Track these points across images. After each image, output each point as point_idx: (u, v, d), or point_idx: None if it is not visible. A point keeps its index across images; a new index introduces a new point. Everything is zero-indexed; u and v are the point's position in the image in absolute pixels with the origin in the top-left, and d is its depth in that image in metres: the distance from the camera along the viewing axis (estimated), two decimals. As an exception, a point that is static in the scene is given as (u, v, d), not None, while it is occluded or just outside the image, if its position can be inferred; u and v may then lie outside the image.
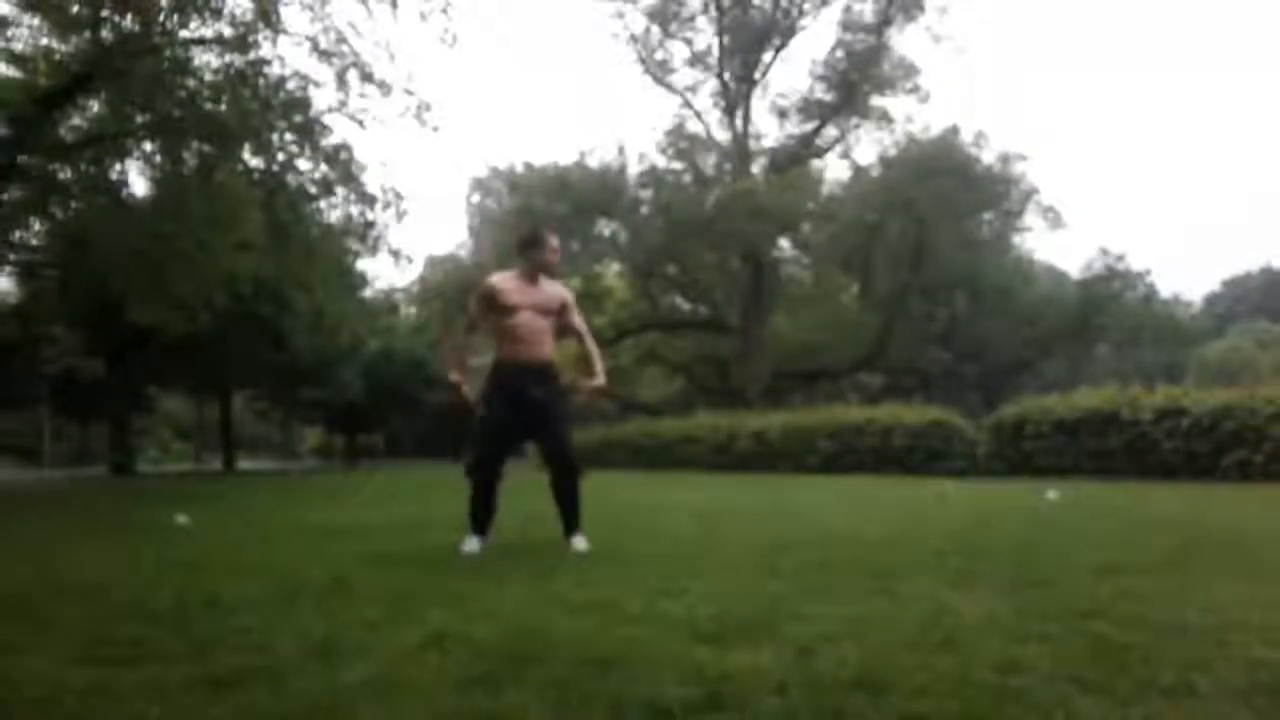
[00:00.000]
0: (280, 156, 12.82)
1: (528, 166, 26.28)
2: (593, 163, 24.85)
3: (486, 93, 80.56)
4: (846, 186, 26.26)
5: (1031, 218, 25.14)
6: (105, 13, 10.98)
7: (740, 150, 24.88)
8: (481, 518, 4.21)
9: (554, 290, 4.27)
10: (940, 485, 7.80)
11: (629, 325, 26.70)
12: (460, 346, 4.40)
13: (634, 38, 24.90)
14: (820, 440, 15.26)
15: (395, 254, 14.41)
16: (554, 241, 4.25)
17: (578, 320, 4.36)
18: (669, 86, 25.39)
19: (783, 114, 25.66)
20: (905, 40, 25.64)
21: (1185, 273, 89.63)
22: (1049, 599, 2.94)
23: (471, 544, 4.19)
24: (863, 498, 8.26)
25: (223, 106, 11.66)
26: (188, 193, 13.03)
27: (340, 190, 13.34)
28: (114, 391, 24.56)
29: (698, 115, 25.23)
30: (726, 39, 24.61)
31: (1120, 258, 25.50)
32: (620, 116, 63.07)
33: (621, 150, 24.88)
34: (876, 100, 24.78)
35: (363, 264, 18.91)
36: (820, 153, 26.09)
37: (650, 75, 25.36)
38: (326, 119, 12.65)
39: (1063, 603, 2.86)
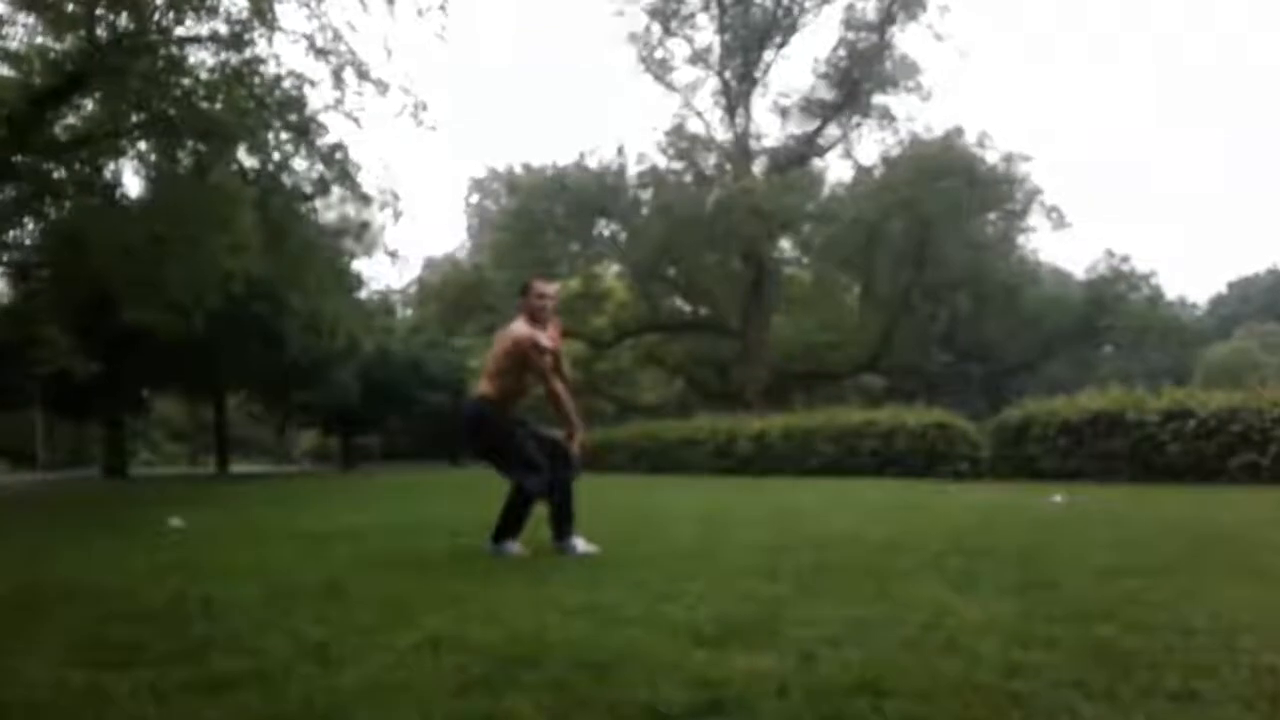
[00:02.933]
0: (276, 156, 12.78)
1: (526, 167, 26.25)
2: (592, 163, 24.84)
3: (485, 92, 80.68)
4: (848, 186, 26.23)
5: (1035, 218, 25.11)
6: (100, 11, 10.94)
7: (741, 150, 24.86)
8: (573, 518, 4.31)
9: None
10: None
11: (628, 327, 26.68)
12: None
13: (634, 36, 24.90)
14: (821, 443, 15.20)
15: (392, 254, 14.49)
16: (542, 287, 4.40)
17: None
18: (669, 85, 25.40)
19: (784, 113, 25.68)
20: (907, 39, 25.69)
21: (1190, 274, 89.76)
22: (1053, 602, 2.92)
23: (586, 544, 4.23)
24: (864, 500, 8.23)
25: (218, 105, 11.61)
26: (182, 192, 12.99)
27: (336, 190, 13.32)
28: (107, 393, 24.51)
29: (698, 114, 25.25)
30: (727, 37, 24.59)
31: (1125, 259, 25.47)
32: (620, 116, 63.18)
33: (621, 150, 24.88)
34: (879, 99, 24.77)
35: (359, 264, 18.92)
36: (822, 152, 26.08)
37: (650, 74, 25.35)
38: (322, 118, 12.62)
39: (1067, 606, 2.84)
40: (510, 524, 4.28)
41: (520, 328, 4.26)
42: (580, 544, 4.24)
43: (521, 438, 4.22)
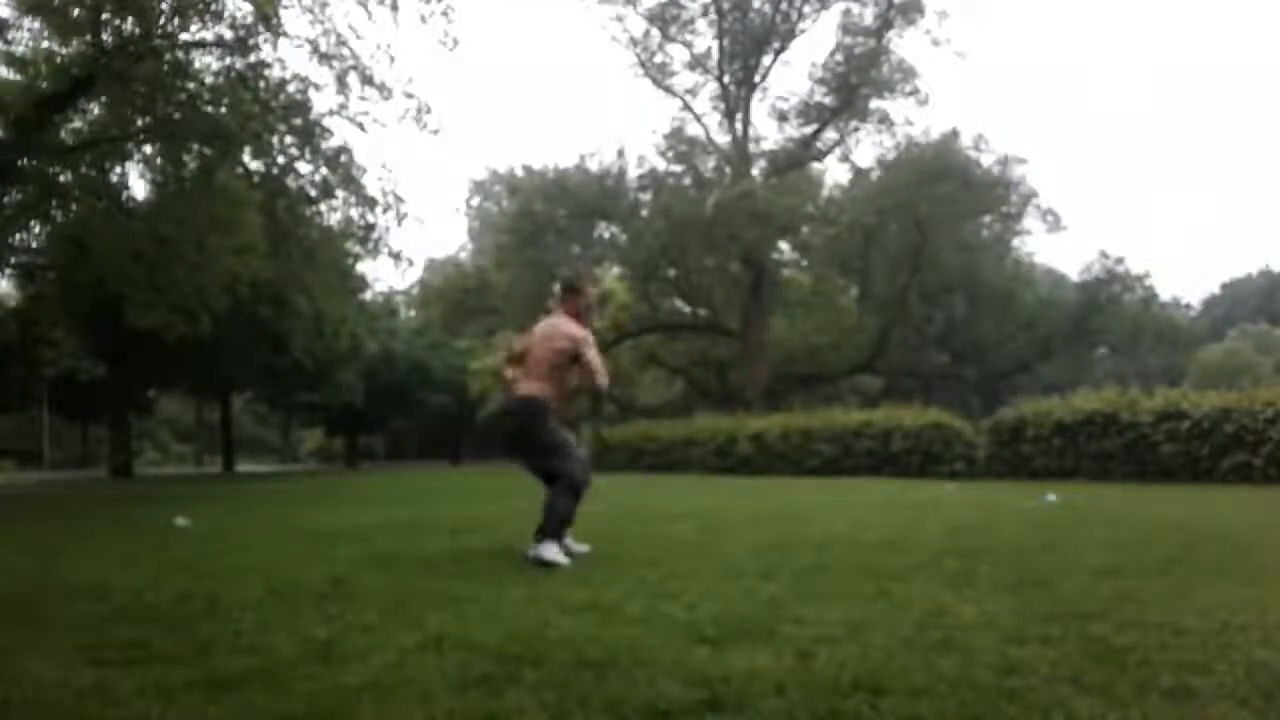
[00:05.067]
0: (280, 159, 12.81)
1: (527, 169, 26.31)
2: (592, 166, 24.89)
3: (487, 96, 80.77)
4: (846, 189, 26.27)
5: (1031, 221, 25.16)
6: (105, 16, 10.99)
7: (740, 153, 24.89)
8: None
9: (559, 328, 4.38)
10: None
11: (629, 328, 26.70)
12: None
13: (634, 40, 24.96)
14: (819, 443, 15.25)
15: (395, 256, 14.38)
16: (590, 289, 4.45)
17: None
18: (669, 89, 25.43)
19: (782, 117, 25.71)
20: (904, 44, 25.70)
21: (1184, 276, 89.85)
22: (1048, 601, 2.95)
23: (559, 553, 4.09)
24: (861, 500, 8.25)
25: (223, 109, 11.65)
26: (187, 196, 13.04)
27: (340, 193, 13.31)
28: (113, 393, 24.57)
29: (697, 118, 25.30)
30: (726, 42, 24.64)
31: (1119, 260, 25.45)
32: (620, 120, 63.26)
33: (621, 153, 24.92)
34: (876, 103, 24.81)
35: (363, 267, 18.90)
36: (820, 156, 26.11)
37: (650, 78, 25.41)
38: (327, 122, 12.66)
39: (1062, 605, 2.87)
40: (556, 527, 4.10)
41: (574, 327, 4.27)
42: (552, 551, 3.96)
43: (566, 436, 4.28)
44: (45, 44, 12.53)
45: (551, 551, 3.93)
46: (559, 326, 4.28)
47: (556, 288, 4.69)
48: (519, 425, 4.27)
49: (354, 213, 13.56)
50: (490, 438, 38.34)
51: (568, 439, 4.27)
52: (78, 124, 13.47)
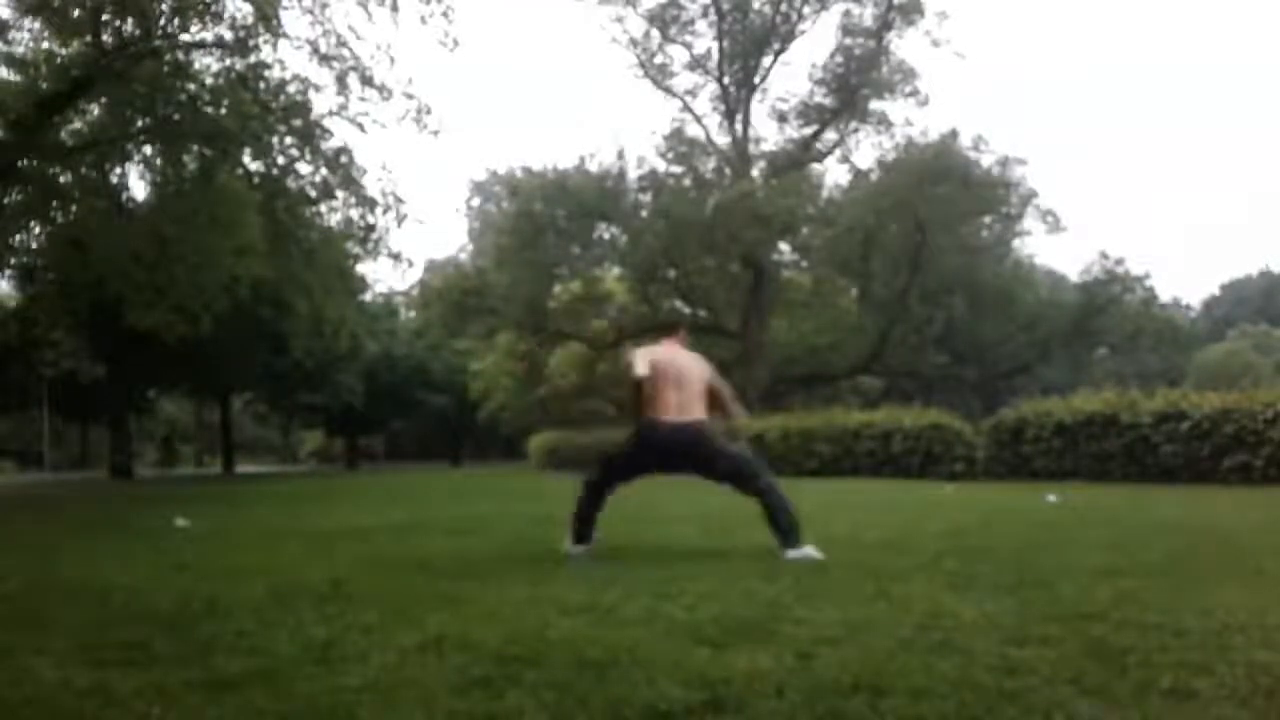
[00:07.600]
0: (280, 160, 12.83)
1: (527, 170, 26.27)
2: (592, 167, 24.84)
3: (487, 96, 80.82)
4: (846, 190, 26.26)
5: (1031, 221, 25.13)
6: (106, 16, 11.01)
7: (740, 154, 24.89)
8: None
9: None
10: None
11: (629, 329, 26.68)
12: None
13: (634, 41, 24.98)
14: (819, 444, 15.26)
15: (395, 257, 14.40)
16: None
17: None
18: (669, 90, 25.45)
19: (782, 118, 25.72)
20: (904, 45, 25.70)
21: (1184, 276, 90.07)
22: (1049, 601, 2.94)
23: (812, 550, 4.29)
24: (862, 501, 8.25)
25: (223, 110, 11.67)
26: (187, 196, 13.05)
27: (340, 194, 13.32)
28: (113, 394, 24.58)
29: (697, 119, 25.30)
30: (726, 43, 24.67)
31: (1119, 261, 25.42)
32: (620, 120, 63.24)
33: (621, 154, 24.86)
34: (876, 104, 24.84)
35: (362, 268, 18.90)
36: (819, 157, 26.11)
37: (650, 79, 25.42)
38: (326, 122, 12.67)
39: (1062, 605, 2.87)
40: (792, 524, 4.33)
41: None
42: (803, 550, 4.17)
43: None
44: (45, 44, 12.54)
45: (803, 550, 4.15)
46: (698, 359, 4.76)
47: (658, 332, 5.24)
48: (689, 448, 4.58)
49: (354, 213, 13.57)
50: (490, 439, 38.38)
51: (740, 449, 4.69)
52: (78, 125, 13.48)
